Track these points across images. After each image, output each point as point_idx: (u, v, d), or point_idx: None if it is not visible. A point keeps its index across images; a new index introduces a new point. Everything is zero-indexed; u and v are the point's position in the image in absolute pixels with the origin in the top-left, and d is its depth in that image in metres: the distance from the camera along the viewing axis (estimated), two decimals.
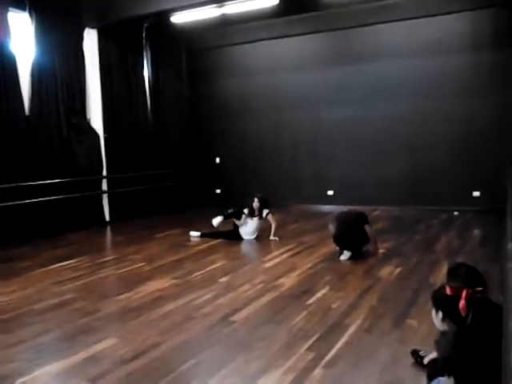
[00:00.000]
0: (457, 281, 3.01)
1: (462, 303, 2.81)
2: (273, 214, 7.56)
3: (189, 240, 7.63)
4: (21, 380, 3.11)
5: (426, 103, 9.59)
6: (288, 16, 10.13)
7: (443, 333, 2.96)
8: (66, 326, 4.05)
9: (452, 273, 3.12)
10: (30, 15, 8.17)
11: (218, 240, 7.51)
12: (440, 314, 2.93)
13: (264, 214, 7.49)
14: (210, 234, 7.76)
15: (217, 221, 7.46)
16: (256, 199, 7.52)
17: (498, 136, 8.87)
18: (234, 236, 7.53)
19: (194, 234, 7.88)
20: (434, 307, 3.01)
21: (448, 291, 2.96)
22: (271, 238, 7.42)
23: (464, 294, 2.84)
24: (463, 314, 2.78)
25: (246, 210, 7.54)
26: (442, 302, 2.96)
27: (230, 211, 7.57)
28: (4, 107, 7.67)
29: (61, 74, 8.67)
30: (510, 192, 6.02)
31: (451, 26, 9.34)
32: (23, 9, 8.08)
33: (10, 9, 7.81)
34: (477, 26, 9.18)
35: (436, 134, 9.57)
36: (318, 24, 10.34)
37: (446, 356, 2.78)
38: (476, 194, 9.34)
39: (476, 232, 7.87)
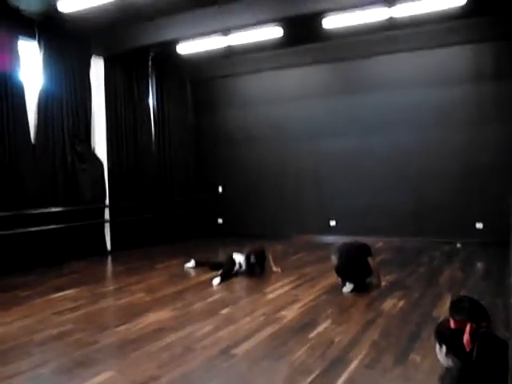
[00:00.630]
0: (460, 314, 2.98)
1: (466, 337, 2.77)
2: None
3: (186, 271, 7.59)
4: None
5: (428, 134, 9.64)
6: (292, 47, 10.26)
7: (447, 368, 2.92)
8: (64, 358, 4.00)
9: (455, 306, 3.09)
10: (39, 43, 8.30)
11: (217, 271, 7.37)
12: (444, 348, 2.90)
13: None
14: (204, 263, 7.74)
15: (216, 282, 6.74)
16: (253, 256, 7.14)
17: (502, 167, 8.87)
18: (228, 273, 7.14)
19: (189, 265, 7.83)
20: (438, 341, 2.97)
21: (452, 324, 2.92)
22: (274, 269, 7.36)
23: (468, 327, 2.80)
24: (467, 349, 2.75)
25: (241, 261, 7.18)
26: (446, 336, 2.93)
27: (223, 271, 6.99)
28: (11, 135, 7.72)
29: (67, 102, 8.77)
30: None
31: (454, 58, 9.46)
32: (33, 37, 8.22)
33: (20, 37, 7.94)
34: (479, 58, 9.29)
35: (439, 165, 9.59)
36: (321, 55, 10.47)
37: None
38: (479, 225, 9.31)
39: (479, 265, 7.81)
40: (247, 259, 7.13)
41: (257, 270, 7.23)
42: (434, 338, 3.02)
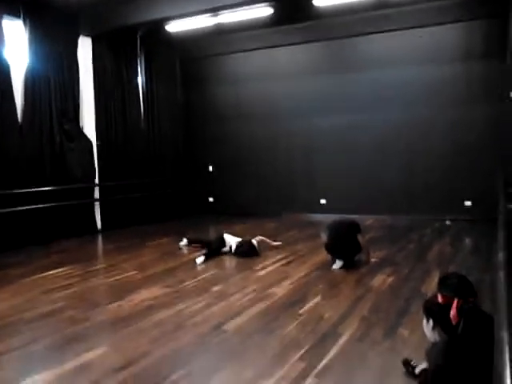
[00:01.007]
0: (448, 290, 3.02)
1: (453, 312, 2.82)
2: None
3: (180, 249, 7.59)
4: None
5: (418, 113, 9.65)
6: (282, 25, 10.18)
7: (434, 343, 2.97)
8: (56, 335, 4.01)
9: (443, 282, 3.13)
10: (24, 23, 8.17)
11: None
12: (431, 322, 2.94)
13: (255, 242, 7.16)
14: (196, 240, 7.76)
15: (200, 260, 6.72)
16: (244, 246, 7.02)
17: (490, 145, 8.93)
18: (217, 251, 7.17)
19: (182, 243, 7.80)
20: (425, 316, 3.02)
21: (440, 299, 2.97)
22: (275, 244, 7.39)
23: (455, 303, 2.85)
24: (454, 323, 2.79)
25: (232, 245, 7.11)
26: (433, 311, 2.97)
27: (208, 249, 7.06)
28: None
29: (54, 81, 8.66)
30: (501, 201, 6.05)
31: (444, 37, 9.42)
32: (17, 16, 8.07)
33: (4, 16, 7.80)
34: (469, 36, 9.27)
35: (429, 143, 9.62)
36: (311, 33, 10.39)
37: (436, 366, 2.78)
38: (468, 203, 9.38)
39: (468, 241, 7.89)
40: (237, 247, 7.04)
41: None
42: (422, 313, 3.07)
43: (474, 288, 3.10)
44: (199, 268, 6.29)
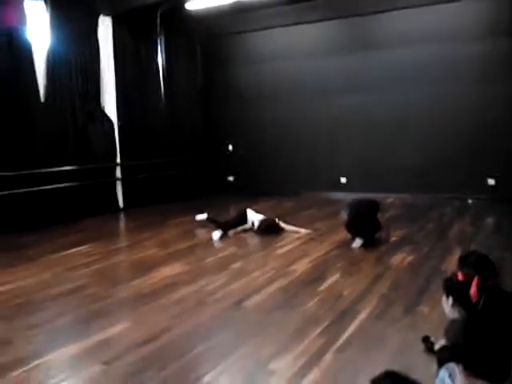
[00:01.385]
0: (468, 268, 3.02)
1: (473, 290, 2.81)
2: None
3: (201, 227, 7.59)
4: (36, 362, 3.17)
5: (440, 90, 9.49)
6: (303, 2, 10.05)
7: (453, 320, 2.97)
8: (80, 311, 4.11)
9: (464, 260, 3.13)
10: (46, 3, 8.19)
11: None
12: (450, 299, 2.94)
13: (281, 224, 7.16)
14: (214, 221, 7.47)
15: (217, 236, 6.89)
16: (263, 226, 7.02)
17: None
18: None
19: (200, 217, 7.70)
20: (445, 293, 3.02)
21: (460, 277, 2.96)
22: (303, 231, 7.02)
23: (475, 280, 2.84)
24: (474, 301, 2.79)
25: (254, 221, 7.10)
26: (453, 288, 2.96)
27: (228, 223, 7.21)
28: (20, 94, 7.73)
29: (75, 62, 8.71)
30: None
31: (467, 13, 9.19)
32: None
33: None
34: (496, 12, 9.01)
35: (451, 121, 9.47)
36: (332, 10, 10.23)
37: (455, 343, 2.78)
38: (491, 181, 9.25)
39: (489, 220, 7.80)
40: (260, 224, 7.03)
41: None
42: (442, 290, 3.07)
43: (496, 267, 3.09)
44: (219, 246, 6.35)
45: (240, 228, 7.18)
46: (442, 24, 9.34)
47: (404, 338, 3.34)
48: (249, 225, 7.20)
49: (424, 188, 9.74)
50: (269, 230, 6.99)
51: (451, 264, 5.03)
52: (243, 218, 7.24)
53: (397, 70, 9.82)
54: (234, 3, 9.26)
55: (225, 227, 7.10)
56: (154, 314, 3.99)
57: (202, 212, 7.82)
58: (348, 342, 3.31)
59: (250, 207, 7.46)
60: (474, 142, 9.29)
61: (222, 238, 6.77)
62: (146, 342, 3.42)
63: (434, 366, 2.80)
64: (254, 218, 7.22)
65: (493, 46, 9.02)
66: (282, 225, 7.17)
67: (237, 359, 3.14)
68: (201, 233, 7.27)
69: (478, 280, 2.86)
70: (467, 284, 2.87)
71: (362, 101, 10.24)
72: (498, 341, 2.50)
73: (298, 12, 10.47)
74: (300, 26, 10.75)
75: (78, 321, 3.90)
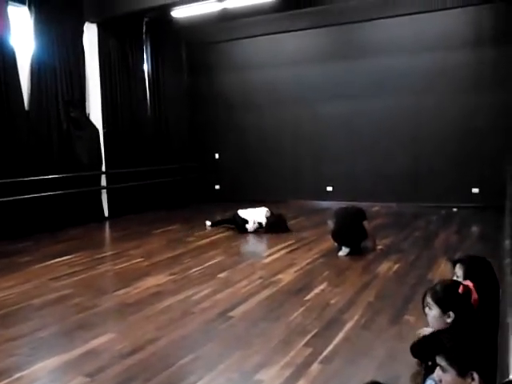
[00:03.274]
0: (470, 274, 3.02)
1: (474, 296, 2.78)
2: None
3: (187, 236, 7.60)
4: (19, 374, 3.11)
5: (426, 99, 9.57)
6: (289, 11, 10.10)
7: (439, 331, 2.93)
8: (64, 321, 4.05)
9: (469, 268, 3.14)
10: (30, 9, 8.16)
11: (218, 236, 7.52)
12: (451, 314, 2.81)
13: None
14: (220, 221, 8.27)
15: (208, 223, 8.12)
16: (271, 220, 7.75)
17: (498, 133, 8.86)
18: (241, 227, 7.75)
19: (208, 222, 8.27)
20: (442, 308, 2.88)
21: (460, 290, 2.86)
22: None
23: (473, 287, 2.82)
24: (476, 307, 2.75)
25: (256, 220, 7.71)
26: (454, 302, 2.85)
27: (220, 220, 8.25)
28: (3, 101, 7.67)
29: (60, 68, 8.66)
30: (509, 189, 6.02)
31: (453, 22, 9.30)
32: (23, 2, 8.07)
33: (10, 2, 7.79)
34: (479, 21, 9.14)
35: (436, 130, 9.56)
36: (318, 19, 10.29)
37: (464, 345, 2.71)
38: (475, 190, 9.34)
39: (474, 228, 7.87)
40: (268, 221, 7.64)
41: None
42: (435, 305, 2.95)
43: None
44: (205, 255, 6.30)
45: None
46: (427, 33, 9.44)
47: (391, 348, 3.33)
48: (251, 225, 7.56)
49: (410, 196, 9.80)
50: (276, 226, 7.54)
51: (437, 272, 5.07)
52: (233, 218, 7.80)
53: (382, 78, 9.89)
54: (220, 11, 9.27)
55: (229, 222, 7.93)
56: (140, 324, 3.94)
57: (190, 222, 8.06)
58: (335, 352, 3.29)
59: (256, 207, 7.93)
60: (458, 151, 9.38)
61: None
62: (131, 353, 3.38)
63: (420, 376, 2.81)
64: (254, 216, 7.63)
65: (477, 55, 9.15)
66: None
67: (223, 370, 3.10)
68: (186, 242, 7.22)
69: (474, 286, 2.84)
70: (467, 294, 2.82)
71: (348, 109, 10.30)
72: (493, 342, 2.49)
73: (284, 20, 10.52)
74: (285, 34, 10.81)
75: (61, 332, 3.84)
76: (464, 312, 2.80)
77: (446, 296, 2.87)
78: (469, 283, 2.91)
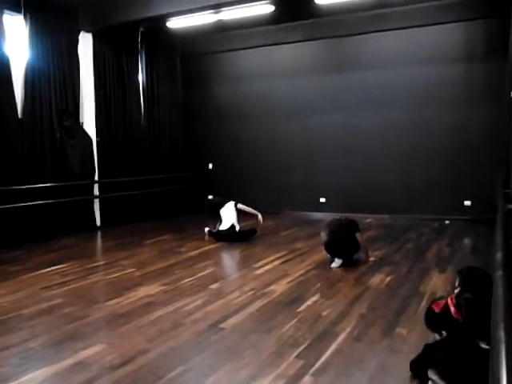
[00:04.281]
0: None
1: (452, 309, 2.78)
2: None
3: (179, 246, 7.58)
4: None
5: (418, 112, 9.65)
6: (283, 23, 10.19)
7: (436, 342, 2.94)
8: (54, 332, 4.01)
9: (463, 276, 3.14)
10: (25, 18, 8.15)
11: (210, 246, 7.51)
12: (444, 333, 2.85)
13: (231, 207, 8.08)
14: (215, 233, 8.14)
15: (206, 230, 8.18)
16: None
17: (490, 146, 8.93)
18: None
19: (206, 229, 8.27)
20: (437, 332, 2.91)
21: (436, 310, 2.90)
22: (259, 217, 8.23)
23: (449, 300, 2.82)
24: (461, 320, 2.74)
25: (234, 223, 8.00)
26: (439, 322, 2.88)
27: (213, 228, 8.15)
28: None
29: (54, 77, 8.65)
30: (500, 202, 6.05)
31: (445, 36, 9.41)
32: (18, 11, 8.05)
33: (5, 11, 7.79)
34: (470, 36, 9.26)
35: (428, 143, 9.62)
36: (312, 32, 10.38)
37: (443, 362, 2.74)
38: (467, 203, 9.38)
39: (466, 241, 7.89)
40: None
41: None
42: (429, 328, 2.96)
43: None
44: (197, 266, 6.28)
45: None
46: (420, 47, 9.53)
47: (383, 361, 3.32)
48: (223, 226, 7.88)
49: (402, 209, 9.83)
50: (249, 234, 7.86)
51: (429, 285, 5.07)
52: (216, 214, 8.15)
53: (375, 91, 9.96)
54: (216, 23, 9.33)
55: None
56: (130, 335, 3.91)
57: (183, 232, 7.94)
58: (327, 364, 3.28)
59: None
60: (451, 164, 9.44)
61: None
62: (122, 364, 3.35)
63: None
64: (231, 219, 7.91)
65: (469, 69, 9.24)
66: (240, 206, 8.10)
67: (213, 382, 3.08)
68: (178, 252, 7.20)
69: (450, 299, 2.84)
70: (446, 311, 2.83)
71: (342, 121, 10.35)
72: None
73: (279, 32, 10.60)
74: (280, 47, 10.88)
75: (51, 342, 3.80)
76: (450, 328, 2.81)
77: (429, 319, 2.92)
78: (451, 296, 2.90)
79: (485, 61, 9.12)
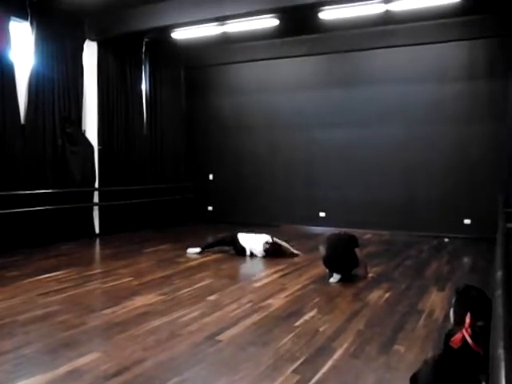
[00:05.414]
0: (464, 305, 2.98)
1: (470, 342, 2.65)
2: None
3: (178, 256, 7.54)
4: None
5: (420, 130, 9.68)
6: (287, 37, 10.26)
7: (424, 362, 2.90)
8: (49, 339, 3.98)
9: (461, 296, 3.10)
10: (31, 25, 8.21)
11: (209, 257, 7.48)
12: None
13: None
14: (210, 244, 7.97)
15: (192, 251, 7.73)
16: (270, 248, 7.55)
17: (491, 165, 8.96)
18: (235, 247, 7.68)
19: (192, 250, 7.77)
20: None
21: (454, 346, 2.74)
22: (295, 252, 7.76)
23: (465, 333, 2.71)
24: (482, 352, 2.61)
25: (252, 248, 7.58)
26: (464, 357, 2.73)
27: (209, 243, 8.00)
28: (0, 115, 7.66)
29: (58, 84, 8.70)
30: (501, 221, 6.04)
31: (448, 55, 9.47)
32: (25, 18, 8.12)
33: (12, 18, 7.85)
34: (473, 55, 9.32)
35: (429, 161, 9.64)
36: (316, 46, 10.44)
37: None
38: (467, 221, 9.38)
39: (466, 259, 7.87)
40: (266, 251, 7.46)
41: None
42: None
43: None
44: (195, 277, 6.26)
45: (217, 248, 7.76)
46: (425, 64, 9.61)
47: (380, 378, 3.29)
48: (247, 253, 7.49)
49: (401, 225, 9.82)
50: (276, 253, 7.47)
51: (428, 303, 5.04)
52: (231, 241, 7.65)
53: (377, 107, 10.00)
54: (220, 35, 9.39)
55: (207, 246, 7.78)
56: (126, 344, 3.88)
57: (182, 242, 7.85)
58: (323, 380, 3.24)
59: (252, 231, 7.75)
60: (451, 182, 9.45)
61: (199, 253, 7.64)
62: (116, 373, 3.32)
63: None
64: (251, 245, 7.48)
65: (471, 88, 9.30)
66: (276, 240, 7.61)
67: None
68: (177, 263, 7.17)
69: (466, 331, 2.72)
70: (465, 345, 2.70)
71: (343, 136, 10.38)
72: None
73: (283, 46, 10.66)
74: (284, 60, 10.94)
75: (46, 349, 3.77)
76: (472, 365, 2.67)
77: (450, 360, 2.70)
78: (465, 327, 2.78)
79: (487, 79, 9.17)
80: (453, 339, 2.64)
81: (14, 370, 3.38)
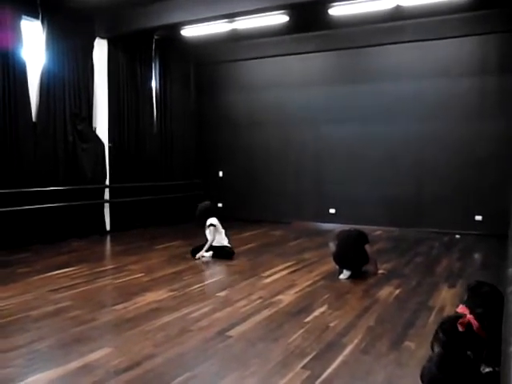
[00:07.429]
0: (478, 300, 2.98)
1: (475, 325, 2.73)
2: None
3: (188, 252, 7.50)
4: None
5: (431, 126, 9.61)
6: (297, 33, 10.23)
7: (429, 358, 2.90)
8: (61, 334, 4.02)
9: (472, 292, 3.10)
10: (43, 23, 8.26)
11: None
12: (470, 353, 2.76)
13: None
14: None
15: (206, 255, 7.21)
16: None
17: (502, 161, 8.87)
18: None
19: (207, 254, 7.27)
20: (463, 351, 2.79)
21: (460, 329, 2.79)
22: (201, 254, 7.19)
23: (471, 318, 2.76)
24: (484, 335, 2.70)
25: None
26: (462, 343, 2.78)
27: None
28: (12, 113, 7.73)
29: (69, 82, 8.75)
30: None
31: (459, 50, 9.40)
32: (36, 17, 8.17)
33: (23, 16, 7.91)
34: (484, 50, 9.24)
35: (440, 157, 9.58)
36: (326, 42, 10.41)
37: (431, 378, 2.72)
38: (478, 218, 9.31)
39: (477, 256, 7.82)
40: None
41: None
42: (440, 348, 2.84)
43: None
44: (206, 273, 6.29)
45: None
46: (433, 60, 9.53)
47: (390, 374, 3.29)
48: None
49: (412, 222, 9.78)
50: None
51: (438, 299, 5.02)
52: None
53: (387, 103, 9.95)
54: (230, 31, 9.39)
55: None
56: (137, 340, 3.91)
57: (192, 238, 7.79)
58: (333, 376, 3.25)
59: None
60: (462, 178, 9.38)
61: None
62: (127, 369, 3.34)
63: None
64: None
65: (481, 83, 9.22)
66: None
67: None
68: (187, 259, 7.19)
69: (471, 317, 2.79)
70: (468, 328, 2.76)
71: (353, 133, 10.34)
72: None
73: (292, 43, 10.64)
74: (293, 57, 10.92)
75: (58, 345, 3.81)
76: (475, 346, 2.73)
77: (450, 340, 2.76)
78: (465, 310, 2.86)
79: (497, 75, 9.10)
80: (460, 320, 2.72)
81: (27, 365, 3.41)
